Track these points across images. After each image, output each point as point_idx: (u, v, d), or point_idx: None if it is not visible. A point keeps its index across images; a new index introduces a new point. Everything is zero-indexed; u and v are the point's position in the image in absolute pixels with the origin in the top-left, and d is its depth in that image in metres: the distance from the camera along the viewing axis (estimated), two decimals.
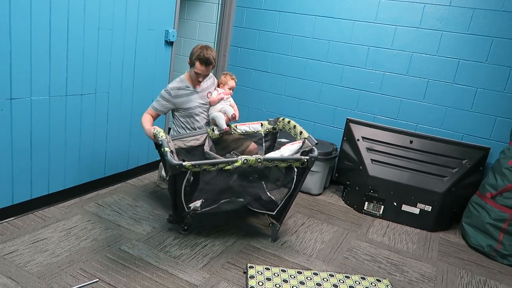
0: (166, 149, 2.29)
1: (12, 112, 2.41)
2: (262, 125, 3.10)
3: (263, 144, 3.12)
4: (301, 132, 2.73)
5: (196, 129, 3.01)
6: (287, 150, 2.60)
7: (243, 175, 2.46)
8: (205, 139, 2.94)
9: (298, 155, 2.53)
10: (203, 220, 2.85)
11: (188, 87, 2.93)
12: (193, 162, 2.24)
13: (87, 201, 2.93)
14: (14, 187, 2.53)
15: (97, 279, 2.08)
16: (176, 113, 3.00)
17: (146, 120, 2.85)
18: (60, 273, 2.08)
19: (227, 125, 2.98)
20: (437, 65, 3.42)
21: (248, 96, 4.29)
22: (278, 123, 3.04)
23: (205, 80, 3.00)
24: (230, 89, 3.07)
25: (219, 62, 4.31)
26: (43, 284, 1.98)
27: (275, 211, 2.63)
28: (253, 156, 2.36)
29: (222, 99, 3.00)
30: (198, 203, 2.48)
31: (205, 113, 3.05)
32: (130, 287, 2.05)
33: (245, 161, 2.33)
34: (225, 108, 2.99)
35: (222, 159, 2.57)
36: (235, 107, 3.08)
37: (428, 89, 3.48)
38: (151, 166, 3.65)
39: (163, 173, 3.26)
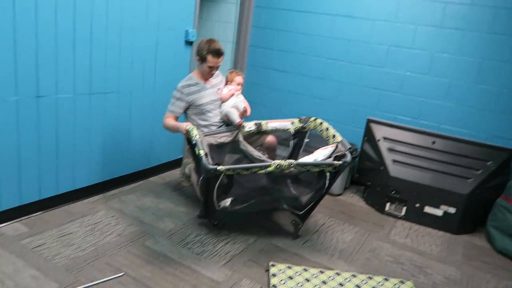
0: (201, 152, 2.30)
1: (39, 110, 2.47)
2: (292, 123, 3.08)
3: (291, 142, 3.11)
4: (334, 136, 2.72)
5: (210, 126, 3.02)
6: (320, 155, 2.59)
7: (275, 177, 2.46)
8: (237, 135, 2.95)
9: (330, 160, 2.51)
10: (224, 218, 2.86)
11: (198, 83, 2.94)
12: (227, 167, 2.25)
13: (110, 197, 2.97)
14: (41, 182, 2.59)
15: (123, 273, 2.10)
16: (188, 112, 2.99)
17: (168, 120, 2.89)
18: (86, 267, 2.12)
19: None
20: (459, 65, 3.37)
21: (267, 96, 4.30)
22: (309, 123, 3.02)
23: (214, 76, 3.03)
24: (238, 84, 3.10)
25: (237, 62, 4.34)
26: (71, 277, 2.02)
27: (302, 211, 2.63)
28: (286, 161, 2.34)
29: (233, 95, 3.04)
30: (228, 202, 2.49)
31: (217, 109, 3.05)
32: (154, 281, 2.08)
33: (278, 166, 2.31)
34: (236, 103, 3.01)
35: (259, 159, 2.64)
36: (246, 103, 3.09)
37: (450, 89, 3.43)
38: (173, 164, 3.69)
39: (187, 170, 3.27)
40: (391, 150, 3.38)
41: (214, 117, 3.03)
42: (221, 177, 2.33)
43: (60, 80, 2.55)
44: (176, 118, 2.94)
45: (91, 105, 2.79)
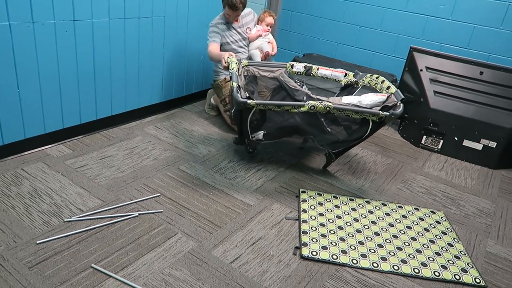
0: (234, 84, 2.27)
1: (76, 34, 2.49)
2: (346, 75, 2.83)
3: (337, 92, 2.93)
4: (388, 87, 2.49)
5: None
6: (368, 99, 2.40)
7: (310, 115, 2.35)
8: (281, 73, 2.87)
9: (377, 109, 2.33)
10: (259, 146, 2.90)
11: (228, 22, 3.04)
12: (258, 101, 2.20)
13: (146, 123, 3.06)
14: (81, 107, 2.68)
15: (159, 194, 2.22)
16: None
17: (213, 48, 2.98)
18: (126, 187, 2.25)
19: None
20: None
21: (304, 23, 4.10)
22: (365, 78, 2.75)
23: (245, 16, 3.12)
24: (267, 25, 3.16)
25: None
26: (112, 195, 2.16)
27: (336, 151, 2.59)
28: (322, 103, 2.23)
29: (260, 35, 3.12)
30: (261, 135, 2.49)
31: (245, 47, 3.18)
32: (189, 202, 2.18)
33: (312, 107, 2.22)
34: (262, 45, 3.12)
35: (295, 89, 2.60)
36: (274, 43, 3.24)
37: (508, 14, 3.12)
38: (206, 94, 3.69)
39: (212, 101, 3.32)
40: (433, 81, 3.20)
41: (242, 56, 3.14)
42: (253, 111, 2.30)
43: (95, 4, 2.52)
44: (219, 47, 3.03)
45: (126, 30, 2.77)
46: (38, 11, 2.25)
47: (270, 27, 3.16)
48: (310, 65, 2.87)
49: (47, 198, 2.07)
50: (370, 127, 2.34)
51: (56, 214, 1.97)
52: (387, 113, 2.26)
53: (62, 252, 1.74)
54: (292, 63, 2.88)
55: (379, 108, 2.38)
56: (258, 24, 3.19)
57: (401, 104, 2.29)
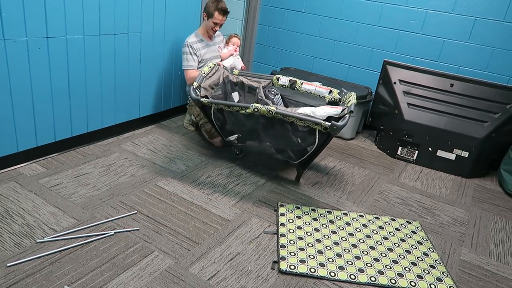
0: (195, 84, 2.54)
1: (49, 51, 2.46)
2: (330, 92, 2.81)
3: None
4: (349, 101, 2.53)
5: None
6: (322, 111, 2.44)
7: (269, 121, 2.43)
8: (268, 84, 3.00)
9: (320, 119, 2.32)
10: (235, 161, 2.91)
11: (203, 40, 3.18)
12: (209, 100, 2.49)
13: (123, 140, 3.03)
14: (55, 124, 2.64)
15: (136, 211, 2.19)
16: None
17: (192, 73, 3.09)
18: (101, 205, 2.21)
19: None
20: (486, 1, 3.16)
21: (281, 38, 4.16)
22: (349, 97, 2.69)
23: (216, 36, 3.30)
24: (233, 44, 3.36)
25: (251, 3, 4.16)
26: (87, 214, 2.12)
27: (296, 162, 2.61)
28: (266, 107, 2.33)
29: (232, 54, 3.32)
30: (234, 137, 2.65)
31: None
32: (166, 219, 2.16)
33: (256, 109, 2.36)
34: (235, 63, 3.28)
35: (262, 99, 2.77)
36: (242, 64, 3.39)
37: (474, 28, 3.25)
38: (184, 109, 3.69)
39: (193, 117, 3.33)
40: (406, 93, 3.29)
41: None
42: (212, 109, 2.53)
43: (69, 21, 2.51)
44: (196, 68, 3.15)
45: (101, 46, 2.76)
46: (10, 28, 2.23)
47: (237, 46, 3.40)
48: (295, 79, 2.93)
49: (19, 219, 2.01)
50: (317, 136, 2.36)
51: (28, 235, 1.91)
52: (329, 124, 2.24)
53: (33, 275, 1.69)
54: (278, 76, 2.99)
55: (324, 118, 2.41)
56: (226, 45, 3.39)
57: (347, 116, 2.30)
